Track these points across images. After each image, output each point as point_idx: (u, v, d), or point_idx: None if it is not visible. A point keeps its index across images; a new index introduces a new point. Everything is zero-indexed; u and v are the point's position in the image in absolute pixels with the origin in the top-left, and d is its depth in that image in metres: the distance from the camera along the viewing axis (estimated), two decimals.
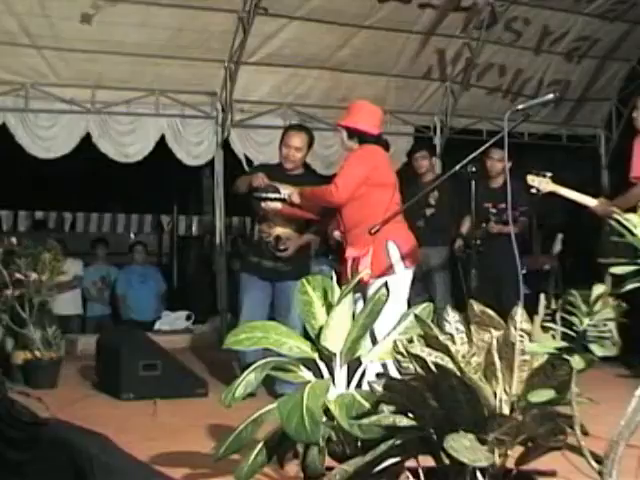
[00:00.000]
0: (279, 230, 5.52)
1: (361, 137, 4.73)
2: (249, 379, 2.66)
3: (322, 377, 2.67)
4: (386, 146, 4.86)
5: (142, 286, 9.71)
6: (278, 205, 5.38)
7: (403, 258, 4.55)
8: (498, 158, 6.48)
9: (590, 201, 5.62)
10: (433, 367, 2.06)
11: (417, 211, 6.56)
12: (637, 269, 1.83)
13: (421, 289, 6.94)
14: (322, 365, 2.70)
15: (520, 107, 4.08)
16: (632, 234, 1.84)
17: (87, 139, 8.26)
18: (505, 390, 2.06)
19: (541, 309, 1.97)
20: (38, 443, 2.71)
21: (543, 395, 1.97)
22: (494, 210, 6.51)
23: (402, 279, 4.52)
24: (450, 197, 6.90)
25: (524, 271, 5.09)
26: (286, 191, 5.26)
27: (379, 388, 2.37)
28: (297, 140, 5.64)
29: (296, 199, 5.16)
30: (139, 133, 8.47)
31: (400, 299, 4.35)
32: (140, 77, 8.28)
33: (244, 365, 4.55)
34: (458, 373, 2.02)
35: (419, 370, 2.12)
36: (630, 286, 1.84)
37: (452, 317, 2.20)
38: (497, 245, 6.13)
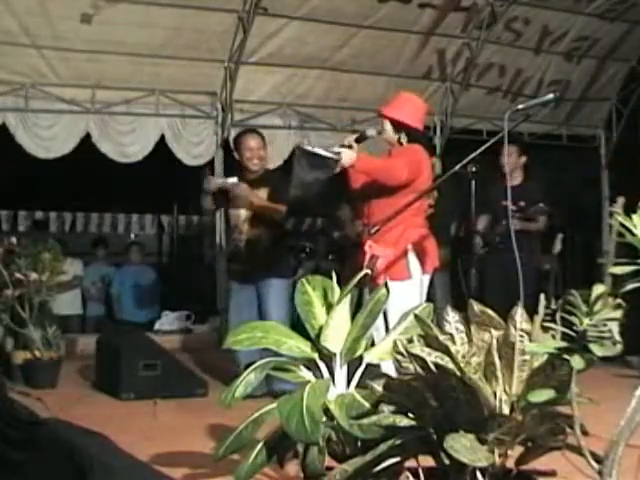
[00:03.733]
0: (249, 234, 5.67)
1: (407, 132, 4.58)
2: (249, 379, 2.66)
3: (322, 377, 2.67)
4: (428, 144, 4.71)
5: (136, 287, 9.69)
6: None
7: (422, 263, 4.50)
8: (511, 152, 6.48)
9: None
10: (433, 367, 2.06)
11: None
12: (637, 269, 1.83)
13: None
14: (322, 365, 2.70)
15: (520, 107, 4.07)
16: (632, 234, 1.84)
17: (87, 139, 8.27)
18: (505, 390, 2.05)
19: (541, 309, 1.97)
20: (38, 443, 2.71)
21: (543, 395, 1.97)
22: (514, 208, 6.46)
23: (419, 284, 4.49)
24: (449, 197, 6.89)
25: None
26: (341, 152, 4.32)
27: (379, 388, 2.37)
28: (255, 141, 5.76)
29: (350, 162, 4.29)
30: (139, 133, 8.48)
31: (416, 303, 4.26)
32: (140, 77, 8.28)
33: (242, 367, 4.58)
34: (458, 373, 2.02)
35: (419, 370, 2.12)
36: (630, 286, 1.84)
37: (452, 317, 2.20)
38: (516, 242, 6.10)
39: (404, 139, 4.61)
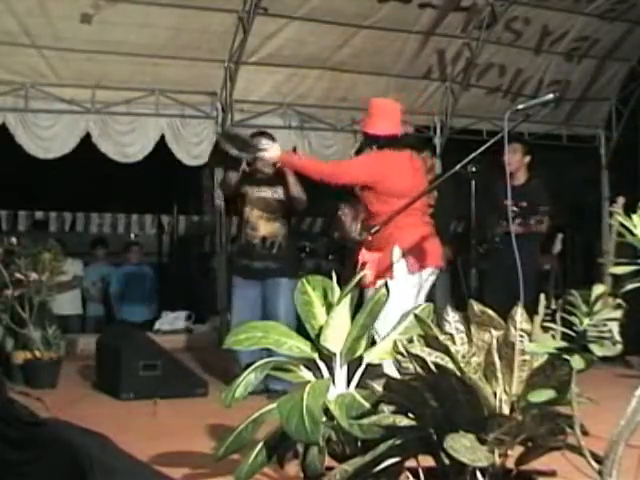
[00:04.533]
0: (263, 231, 5.66)
1: (375, 141, 4.66)
2: (249, 379, 2.66)
3: (322, 377, 2.67)
4: (414, 142, 4.70)
5: (136, 287, 9.69)
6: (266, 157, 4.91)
7: (407, 263, 4.49)
8: (516, 150, 6.48)
9: None
10: (433, 367, 2.06)
11: None
12: (637, 269, 1.83)
13: None
14: (322, 365, 2.70)
15: (520, 107, 4.08)
16: (632, 234, 1.84)
17: (87, 139, 8.27)
18: (505, 390, 2.05)
19: (541, 309, 1.97)
20: (38, 443, 2.71)
21: (543, 395, 1.96)
22: (515, 209, 6.44)
23: (406, 283, 4.47)
24: (449, 197, 6.88)
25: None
26: (268, 151, 4.77)
27: (379, 388, 2.37)
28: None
29: (274, 157, 4.73)
30: (139, 133, 8.48)
31: (398, 304, 3.91)
32: (140, 77, 8.28)
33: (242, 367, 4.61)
34: (458, 373, 2.02)
35: (419, 370, 2.11)
36: (630, 286, 1.84)
37: (452, 317, 2.20)
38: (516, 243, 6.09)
39: (375, 148, 4.68)
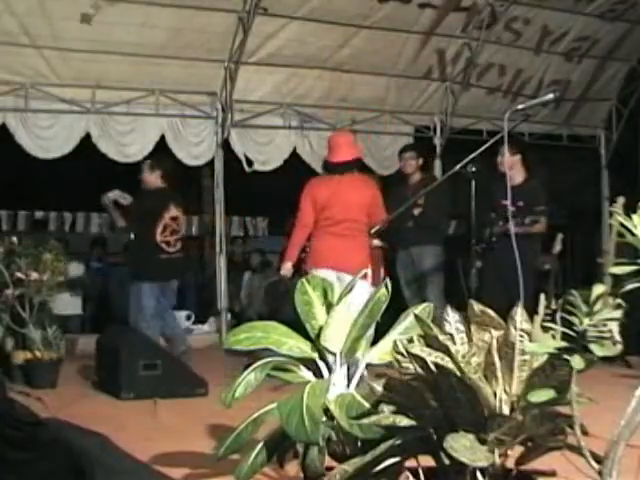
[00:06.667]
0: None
1: (324, 166, 5.77)
2: (249, 379, 2.66)
3: (322, 377, 2.67)
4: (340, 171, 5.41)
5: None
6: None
7: (308, 263, 5.43)
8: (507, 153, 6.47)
9: None
10: (433, 367, 2.06)
11: (405, 212, 6.51)
12: (637, 269, 1.83)
13: (416, 290, 6.94)
14: (322, 365, 2.70)
15: (520, 107, 4.09)
16: (632, 234, 1.84)
17: (87, 139, 8.27)
18: (505, 390, 2.05)
19: (541, 309, 1.97)
20: (38, 443, 2.71)
21: (543, 395, 1.96)
22: (513, 209, 6.43)
23: None
24: (439, 196, 6.83)
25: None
26: (283, 272, 5.68)
27: (379, 388, 2.37)
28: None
29: (290, 268, 5.58)
30: (139, 133, 8.49)
31: None
32: (140, 77, 8.28)
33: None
34: (458, 373, 2.01)
35: (419, 370, 2.11)
36: (630, 286, 1.84)
37: (452, 317, 2.20)
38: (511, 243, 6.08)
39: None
